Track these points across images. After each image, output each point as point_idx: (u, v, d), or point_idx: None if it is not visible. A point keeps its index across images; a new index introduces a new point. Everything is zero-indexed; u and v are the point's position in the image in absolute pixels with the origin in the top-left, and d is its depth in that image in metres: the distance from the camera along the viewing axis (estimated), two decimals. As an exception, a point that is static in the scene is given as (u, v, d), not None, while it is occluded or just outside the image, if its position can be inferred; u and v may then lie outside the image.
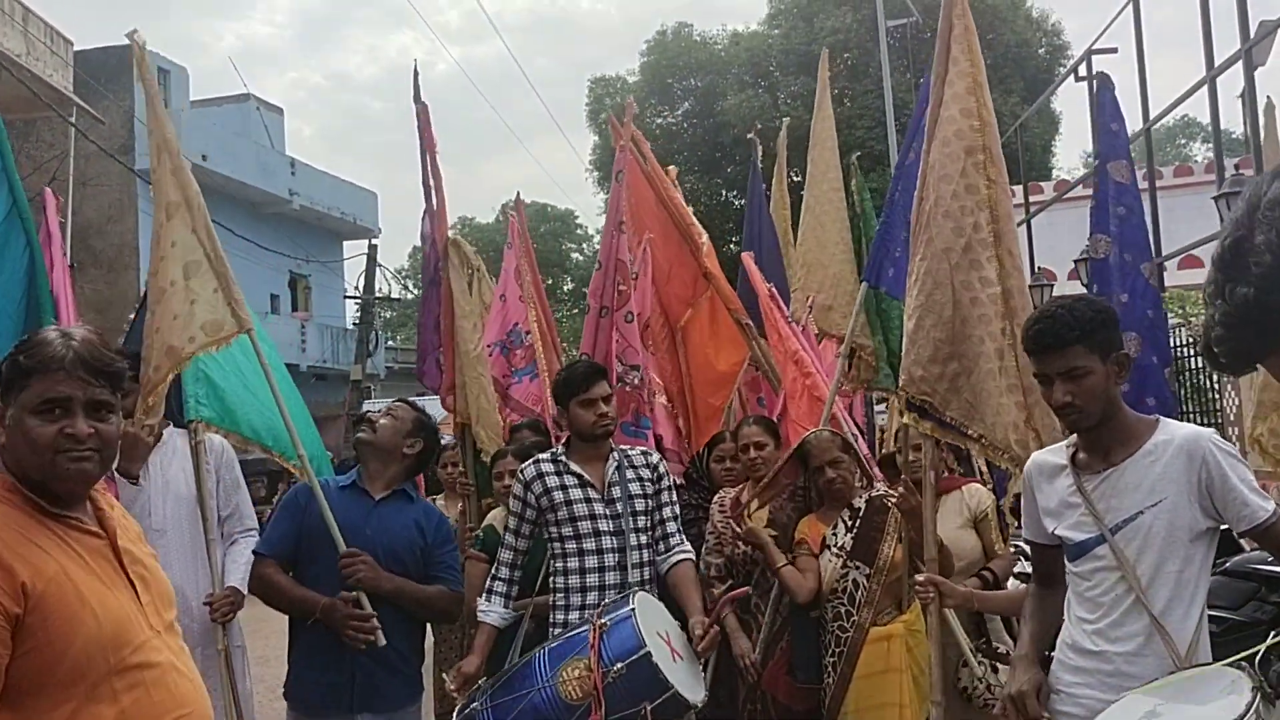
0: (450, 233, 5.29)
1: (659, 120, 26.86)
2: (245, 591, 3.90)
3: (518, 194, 7.08)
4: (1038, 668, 2.66)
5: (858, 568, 3.95)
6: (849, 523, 4.04)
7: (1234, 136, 34.40)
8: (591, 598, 3.52)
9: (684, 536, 3.82)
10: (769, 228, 7.09)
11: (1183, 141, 45.45)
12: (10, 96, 15.21)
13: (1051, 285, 13.69)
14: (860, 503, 4.07)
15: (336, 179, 27.23)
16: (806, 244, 5.67)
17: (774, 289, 5.12)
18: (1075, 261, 12.52)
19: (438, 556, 3.73)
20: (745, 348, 5.12)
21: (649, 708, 3.05)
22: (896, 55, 21.13)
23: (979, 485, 4.66)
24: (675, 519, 3.79)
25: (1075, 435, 2.67)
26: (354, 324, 25.77)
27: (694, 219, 5.28)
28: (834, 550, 4.01)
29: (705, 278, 5.06)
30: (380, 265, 24.14)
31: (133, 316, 4.82)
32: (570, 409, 3.70)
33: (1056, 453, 2.72)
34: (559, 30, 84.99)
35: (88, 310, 18.32)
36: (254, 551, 3.77)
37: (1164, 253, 10.97)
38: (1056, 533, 2.65)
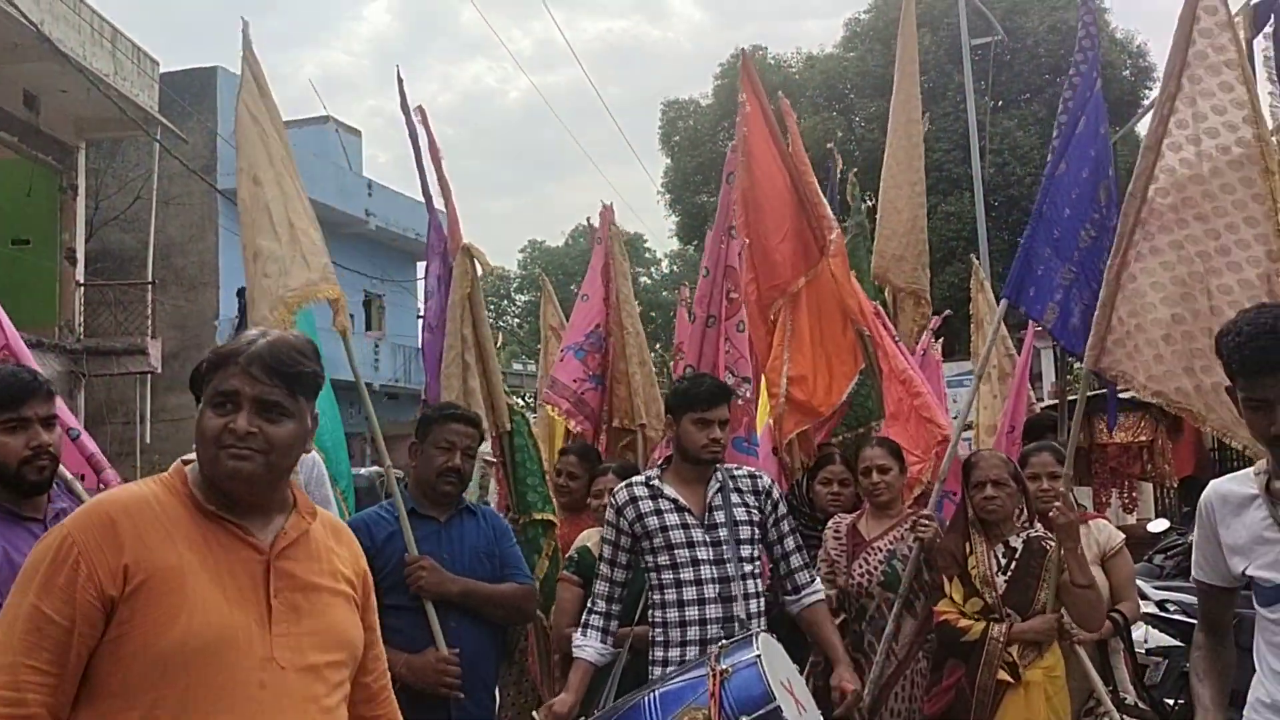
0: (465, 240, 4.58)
1: (732, 143, 26.59)
2: None
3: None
4: None
5: (1008, 614, 3.66)
6: (1002, 562, 3.73)
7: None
8: (692, 633, 3.26)
9: (813, 572, 3.56)
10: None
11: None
12: (98, 115, 15.50)
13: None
14: (1018, 543, 3.77)
15: (412, 200, 27.43)
16: (886, 184, 5.36)
17: (879, 306, 4.87)
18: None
19: (502, 552, 3.57)
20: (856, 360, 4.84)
21: None
22: (977, 76, 20.70)
23: (1106, 521, 4.38)
24: (800, 550, 3.52)
25: (1265, 461, 2.35)
26: (425, 344, 25.88)
27: (829, 212, 5.03)
28: (976, 583, 3.72)
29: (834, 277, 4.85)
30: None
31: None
32: (682, 424, 3.42)
33: (1243, 481, 2.38)
34: (630, 58, 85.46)
35: (167, 328, 18.61)
36: None
37: None
38: (1249, 573, 2.32)
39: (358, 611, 1.97)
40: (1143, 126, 24.51)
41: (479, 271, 4.41)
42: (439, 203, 4.66)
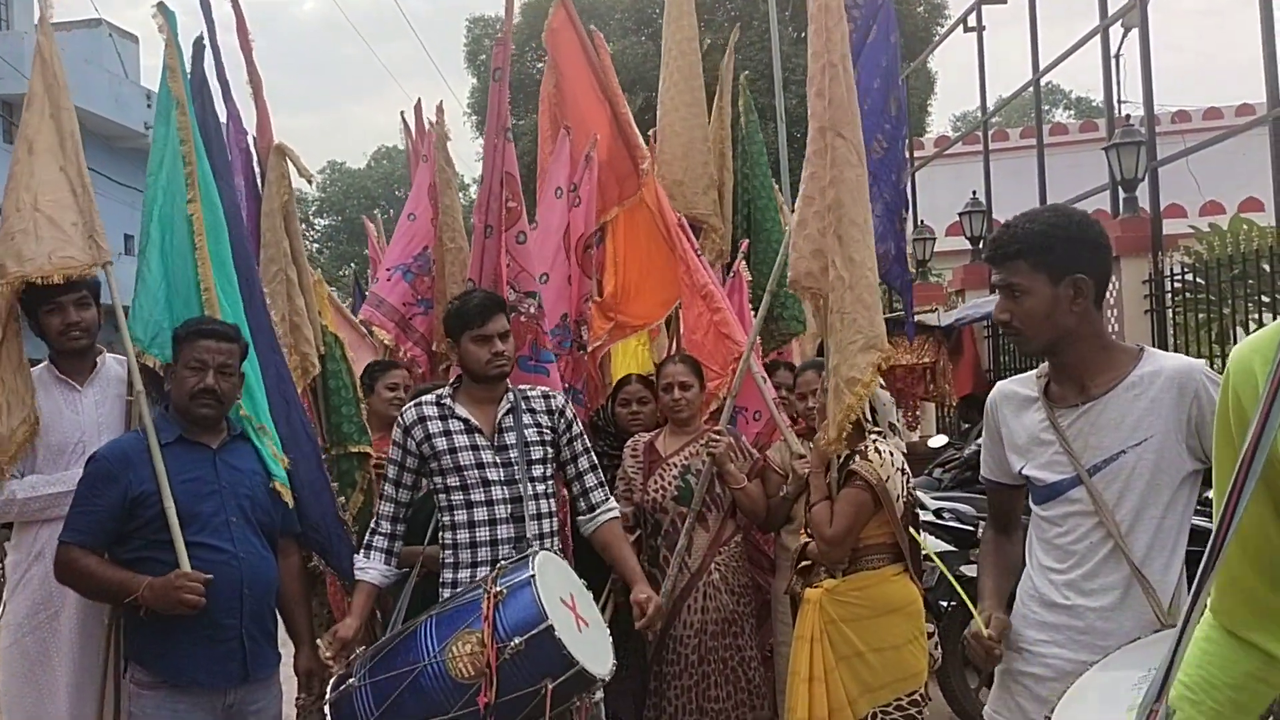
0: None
1: (540, 65, 26.13)
2: None
3: (439, 105, 5.55)
4: (1001, 612, 2.42)
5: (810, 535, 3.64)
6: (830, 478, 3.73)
7: (1094, 104, 35.55)
8: (483, 553, 3.19)
9: (608, 490, 3.52)
10: None
11: (1047, 108, 46.88)
12: None
13: (933, 239, 13.75)
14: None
15: (197, 113, 25.76)
16: (663, 108, 5.26)
17: (683, 219, 4.83)
18: (959, 214, 12.60)
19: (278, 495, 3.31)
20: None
21: (550, 686, 2.72)
22: (781, 7, 20.93)
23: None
24: (594, 469, 3.48)
25: (1046, 365, 2.42)
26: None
27: (641, 142, 4.95)
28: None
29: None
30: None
31: None
32: (461, 344, 3.33)
33: (1026, 384, 2.46)
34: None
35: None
36: (60, 539, 3.07)
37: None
38: (1024, 472, 2.40)
39: None
40: (933, 62, 25.51)
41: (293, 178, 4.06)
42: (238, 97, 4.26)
